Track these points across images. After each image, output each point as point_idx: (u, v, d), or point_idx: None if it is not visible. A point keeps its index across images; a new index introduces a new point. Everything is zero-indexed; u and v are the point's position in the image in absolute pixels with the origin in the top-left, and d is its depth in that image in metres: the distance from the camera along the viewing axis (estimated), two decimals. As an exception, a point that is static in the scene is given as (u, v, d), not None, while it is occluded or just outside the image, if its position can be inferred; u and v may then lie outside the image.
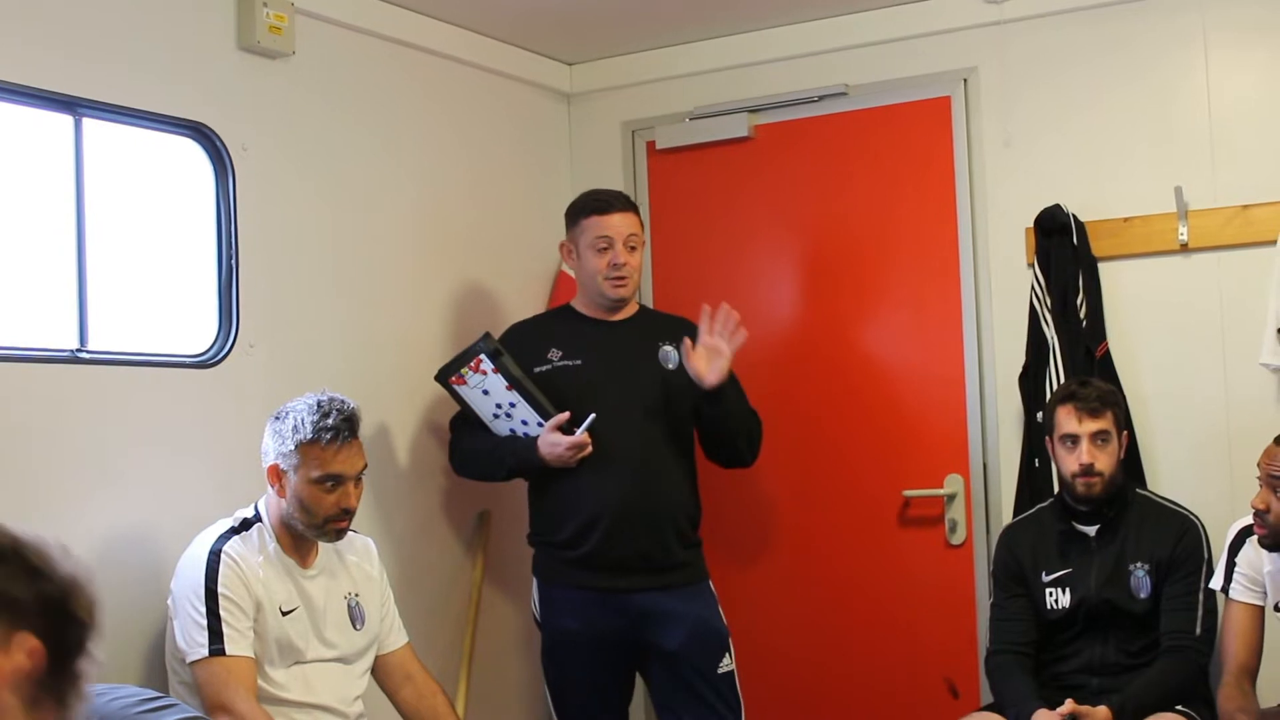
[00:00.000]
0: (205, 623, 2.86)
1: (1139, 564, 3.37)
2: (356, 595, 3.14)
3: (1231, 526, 3.30)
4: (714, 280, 4.31)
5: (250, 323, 3.42)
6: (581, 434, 3.49)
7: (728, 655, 3.61)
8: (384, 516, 3.76)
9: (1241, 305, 3.67)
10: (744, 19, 4.24)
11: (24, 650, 1.26)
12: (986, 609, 3.71)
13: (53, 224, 3.07)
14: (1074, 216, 3.82)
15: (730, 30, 4.31)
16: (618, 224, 3.63)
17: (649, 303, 4.35)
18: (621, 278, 3.63)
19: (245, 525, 3.01)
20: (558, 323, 3.78)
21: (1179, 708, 3.25)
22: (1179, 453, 3.76)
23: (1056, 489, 3.58)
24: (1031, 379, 3.83)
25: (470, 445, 3.71)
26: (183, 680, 2.92)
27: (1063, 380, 3.70)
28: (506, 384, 3.55)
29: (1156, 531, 3.40)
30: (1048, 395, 3.70)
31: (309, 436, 2.96)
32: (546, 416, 3.54)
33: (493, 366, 3.54)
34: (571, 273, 3.86)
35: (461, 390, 3.62)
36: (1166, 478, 3.73)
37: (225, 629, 2.86)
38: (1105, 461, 3.37)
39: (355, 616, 3.13)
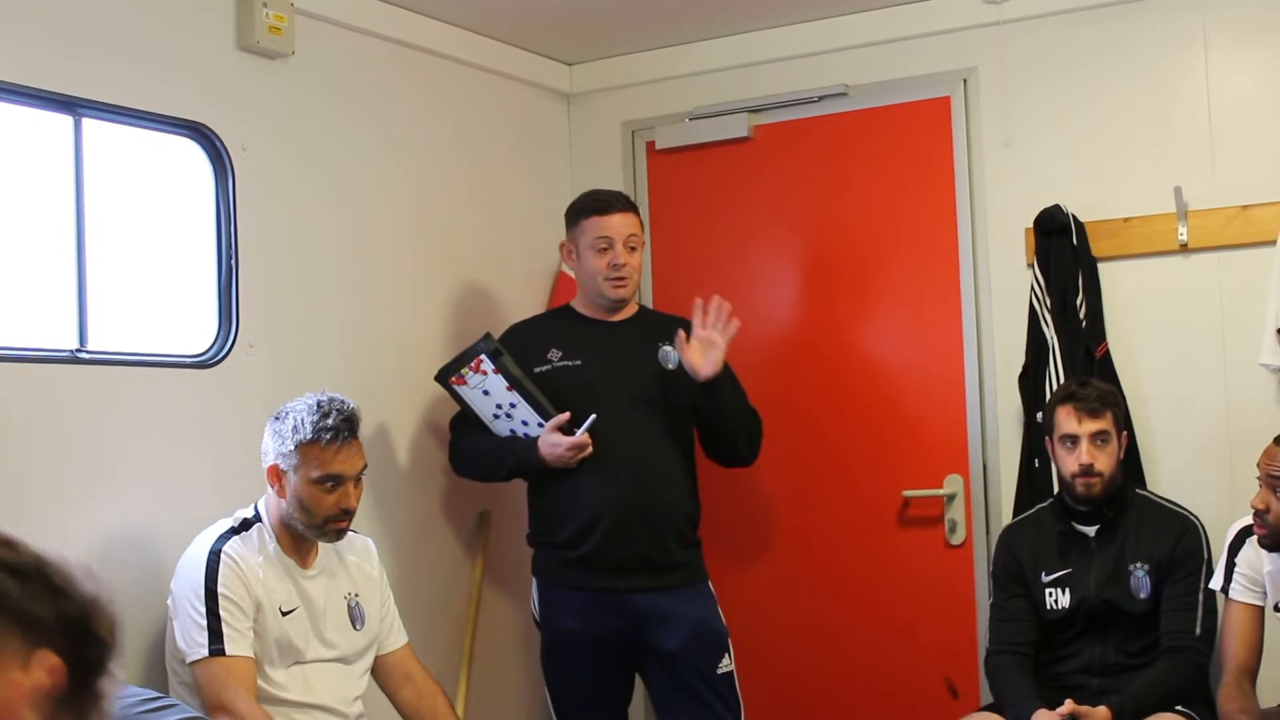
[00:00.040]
0: (205, 623, 2.86)
1: (1139, 564, 3.37)
2: (356, 595, 3.14)
3: (1231, 527, 3.30)
4: (714, 281, 4.30)
5: (250, 323, 3.42)
6: (582, 434, 3.49)
7: (727, 656, 3.61)
8: (384, 517, 3.76)
9: (1241, 306, 3.67)
10: (744, 19, 4.24)
11: (44, 668, 1.27)
12: (986, 609, 3.71)
13: (52, 224, 3.07)
14: (1074, 217, 3.82)
15: (730, 30, 4.31)
16: (618, 224, 3.63)
17: (649, 303, 4.35)
18: (621, 278, 3.63)
19: (245, 525, 3.01)
20: (557, 323, 3.78)
21: (1179, 708, 3.25)
22: (1179, 453, 3.76)
23: (1056, 489, 3.58)
24: (1031, 379, 3.83)
25: (470, 445, 3.71)
26: (183, 680, 2.92)
27: (1062, 380, 3.70)
28: (507, 384, 3.55)
29: (1156, 532, 3.40)
30: (1047, 395, 3.70)
31: (309, 437, 2.96)
32: (547, 417, 3.54)
33: (493, 367, 3.54)
34: (571, 273, 3.86)
35: (462, 390, 3.61)
36: (1166, 478, 3.73)
37: (225, 629, 2.86)
38: (1105, 462, 3.37)
39: (355, 617, 3.12)
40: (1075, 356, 3.76)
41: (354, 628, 3.12)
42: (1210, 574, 3.34)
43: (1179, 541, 3.38)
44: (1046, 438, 3.53)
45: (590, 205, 3.68)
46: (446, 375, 3.62)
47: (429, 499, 3.96)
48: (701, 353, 3.55)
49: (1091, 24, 3.89)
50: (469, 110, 4.22)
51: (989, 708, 3.45)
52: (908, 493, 4.10)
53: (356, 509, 3.05)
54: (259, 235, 3.46)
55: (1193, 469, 3.73)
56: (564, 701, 3.69)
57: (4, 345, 2.95)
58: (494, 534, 4.11)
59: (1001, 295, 3.97)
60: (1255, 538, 3.15)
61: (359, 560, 3.20)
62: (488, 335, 3.62)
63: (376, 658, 3.20)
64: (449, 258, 4.08)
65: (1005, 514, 3.87)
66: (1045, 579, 3.44)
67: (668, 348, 3.64)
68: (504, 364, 3.54)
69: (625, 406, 3.58)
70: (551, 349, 3.66)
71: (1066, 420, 3.39)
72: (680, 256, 4.44)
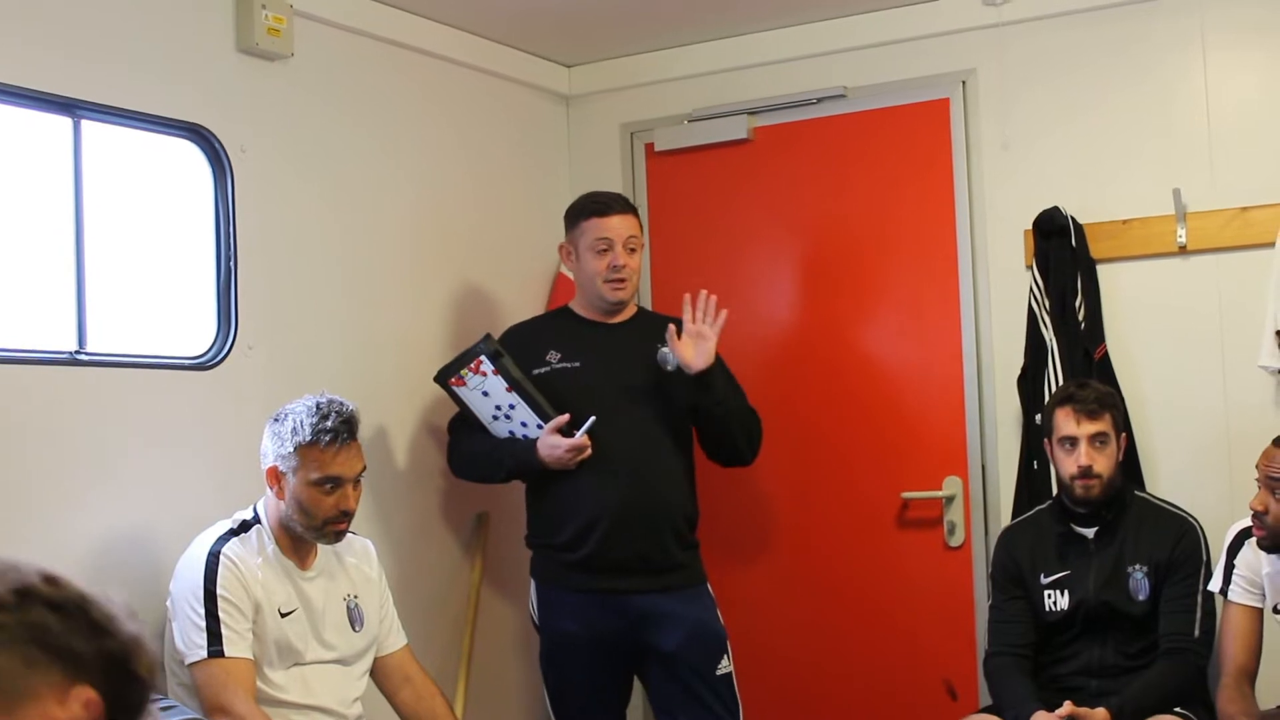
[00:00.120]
0: (204, 624, 2.85)
1: (1137, 566, 3.37)
2: (355, 597, 3.14)
3: (1230, 528, 3.30)
4: (713, 282, 4.28)
5: (249, 324, 3.43)
6: (581, 436, 3.49)
7: (726, 657, 3.61)
8: (383, 518, 3.76)
9: (1240, 307, 3.67)
10: (743, 21, 4.24)
11: (80, 702, 1.28)
12: (985, 611, 3.71)
13: (52, 226, 3.07)
14: (1072, 218, 3.82)
15: (729, 32, 4.31)
16: (617, 225, 3.63)
17: (648, 305, 4.35)
18: (621, 279, 3.63)
19: (244, 527, 3.01)
20: (556, 325, 3.78)
21: (1178, 710, 3.25)
22: (1177, 455, 3.77)
23: (1055, 491, 3.58)
24: (1030, 381, 3.83)
25: (469, 447, 3.71)
26: (181, 682, 2.92)
27: (1061, 382, 3.70)
28: (506, 386, 3.54)
29: (1155, 534, 3.40)
30: (1046, 397, 3.70)
31: (308, 438, 2.96)
32: (546, 418, 3.54)
33: (493, 368, 3.54)
34: (570, 275, 3.86)
35: (461, 391, 3.61)
36: (1165, 480, 3.73)
37: (224, 631, 2.86)
38: (1104, 464, 3.37)
39: (354, 618, 3.12)
40: (1074, 358, 3.76)
41: (353, 629, 3.12)
42: (1209, 576, 3.34)
43: (1178, 543, 3.38)
44: (1045, 439, 3.53)
45: (589, 207, 3.68)
46: (446, 376, 3.62)
47: (428, 500, 3.96)
48: (693, 347, 3.55)
49: (1090, 26, 3.89)
50: (468, 112, 4.22)
51: (988, 709, 3.45)
52: (907, 494, 4.10)
53: (355, 511, 3.05)
54: (258, 237, 3.46)
55: (1191, 471, 3.74)
56: (563, 703, 3.69)
57: (4, 347, 2.95)
58: (492, 535, 4.11)
59: (1000, 297, 3.98)
60: (1254, 539, 3.15)
61: (358, 562, 3.20)
62: (488, 336, 3.62)
63: (375, 659, 3.20)
64: (448, 259, 4.08)
65: (1004, 516, 3.87)
66: (1044, 581, 3.44)
67: (666, 349, 3.64)
68: (504, 365, 3.54)
69: (624, 408, 3.58)
70: (550, 350, 3.66)
71: (1065, 422, 3.39)
72: (679, 258, 4.44)
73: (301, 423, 2.96)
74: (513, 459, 3.61)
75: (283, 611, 2.98)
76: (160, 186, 3.36)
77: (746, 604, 4.19)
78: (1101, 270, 3.83)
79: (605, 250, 3.62)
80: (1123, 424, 3.49)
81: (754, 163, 4.35)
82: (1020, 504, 3.80)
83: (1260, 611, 3.24)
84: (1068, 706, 3.17)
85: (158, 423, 3.21)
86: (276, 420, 3.02)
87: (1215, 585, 3.31)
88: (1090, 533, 3.43)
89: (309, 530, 3.00)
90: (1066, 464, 3.39)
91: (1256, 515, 3.08)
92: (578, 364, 3.64)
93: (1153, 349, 3.80)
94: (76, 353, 3.07)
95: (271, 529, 3.02)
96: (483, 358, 3.54)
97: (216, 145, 3.38)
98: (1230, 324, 3.69)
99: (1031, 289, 3.84)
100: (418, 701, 3.23)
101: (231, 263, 3.40)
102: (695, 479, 3.74)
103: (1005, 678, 3.40)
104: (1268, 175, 3.66)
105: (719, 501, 4.10)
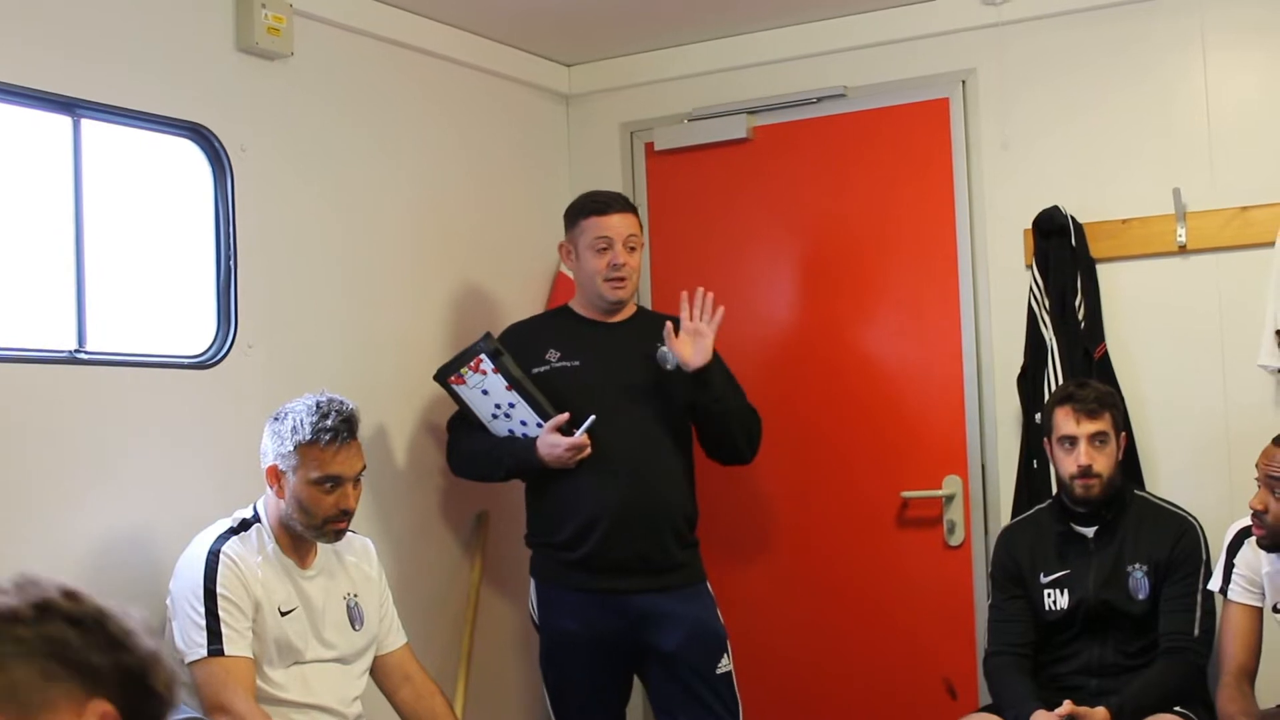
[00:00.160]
0: (204, 623, 2.86)
1: (1137, 565, 3.37)
2: (355, 596, 3.14)
3: (1230, 528, 3.30)
4: (713, 282, 4.27)
5: (249, 323, 3.43)
6: (581, 435, 3.49)
7: (726, 656, 3.61)
8: (383, 517, 3.76)
9: (1240, 307, 3.67)
10: (742, 20, 4.24)
11: (97, 715, 1.30)
12: (985, 610, 3.71)
13: (51, 225, 3.07)
14: (1072, 218, 3.82)
15: (729, 32, 4.31)
16: (617, 224, 3.63)
17: (647, 304, 4.35)
18: (621, 278, 3.63)
19: (244, 526, 3.01)
20: (556, 324, 3.78)
21: (1177, 709, 3.25)
22: (1177, 454, 3.77)
23: (1055, 490, 3.58)
24: (1030, 380, 3.84)
25: (468, 446, 3.71)
26: (181, 681, 2.91)
27: (1061, 382, 3.70)
28: (506, 384, 3.55)
29: (1155, 533, 3.40)
30: (1046, 397, 3.70)
31: (308, 437, 2.96)
32: (546, 417, 3.54)
33: (493, 366, 3.54)
34: (570, 274, 3.86)
35: (460, 390, 3.62)
36: (1165, 479, 3.73)
37: (224, 629, 2.86)
38: (1103, 463, 3.37)
39: (354, 617, 3.12)
40: (1074, 358, 3.76)
41: (353, 628, 3.12)
42: (1209, 575, 3.34)
43: (1177, 542, 3.38)
44: (1045, 439, 3.53)
45: (589, 206, 3.68)
46: (445, 374, 3.62)
47: (428, 499, 3.96)
48: (690, 344, 3.56)
49: (1090, 25, 3.89)
50: (468, 111, 4.22)
51: (988, 709, 3.45)
52: (906, 493, 4.10)
53: (355, 510, 3.05)
54: (258, 236, 3.46)
55: (1191, 470, 3.74)
56: (563, 702, 3.69)
57: (3, 346, 2.95)
58: (492, 535, 4.11)
59: (1000, 296, 3.98)
60: (1254, 539, 3.16)
61: (358, 561, 3.20)
62: (488, 335, 3.62)
63: (375, 658, 3.20)
64: (448, 258, 4.08)
65: (1004, 515, 3.87)
66: (1044, 580, 3.44)
67: (665, 348, 3.65)
68: (504, 364, 3.54)
69: (623, 407, 3.58)
70: (550, 349, 3.66)
71: (1065, 421, 3.39)
72: (679, 258, 4.44)
73: (301, 422, 2.96)
74: (512, 458, 3.61)
75: (283, 610, 2.98)
76: (160, 186, 3.36)
77: (746, 603, 4.19)
78: (1101, 270, 3.83)
79: (605, 249, 3.62)
80: (1122, 423, 3.49)
81: (754, 162, 4.35)
82: (1020, 503, 3.80)
83: (1260, 611, 3.24)
84: (1067, 706, 3.17)
85: (158, 422, 3.21)
86: (276, 419, 3.02)
87: (1215, 584, 3.31)
88: (1090, 532, 3.43)
89: (309, 529, 3.00)
90: (1066, 463, 3.39)
91: (1256, 514, 3.08)
92: (577, 363, 3.64)
93: (1152, 348, 3.80)
94: (76, 352, 3.07)
95: (271, 528, 3.02)
96: (483, 356, 3.54)
97: (216, 144, 3.38)
98: (1230, 324, 3.69)
99: (1031, 288, 3.84)
100: (417, 700, 3.23)
101: (231, 262, 3.40)
102: (695, 478, 3.74)
103: (1005, 677, 3.40)
104: (1268, 175, 3.66)
105: (719, 501, 4.10)
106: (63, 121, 3.08)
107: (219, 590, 2.88)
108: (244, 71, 3.47)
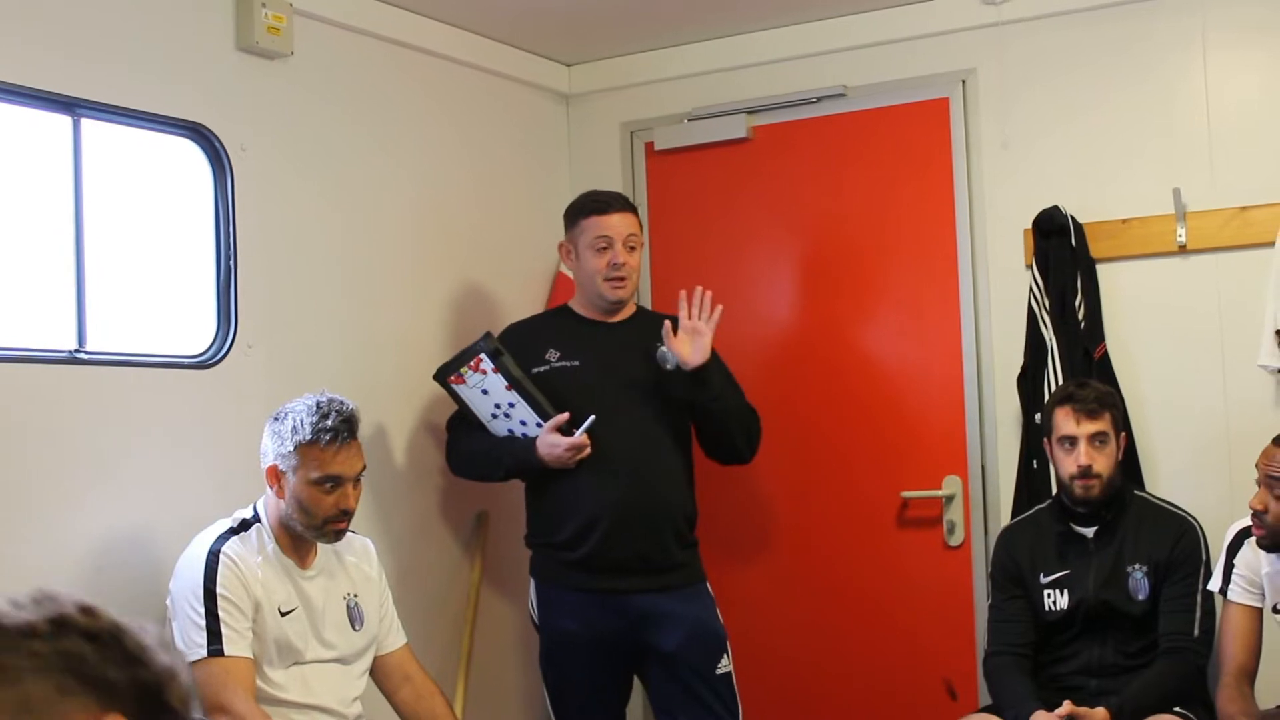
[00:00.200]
0: (204, 623, 2.86)
1: (1137, 565, 3.37)
2: (355, 596, 3.14)
3: (1230, 528, 3.30)
4: (712, 281, 4.27)
5: (249, 323, 3.42)
6: (581, 435, 3.49)
7: (725, 656, 3.61)
8: (383, 517, 3.76)
9: (1240, 307, 3.67)
10: (742, 20, 4.24)
11: None
12: (985, 610, 3.71)
13: (51, 225, 3.07)
14: (1072, 218, 3.82)
15: (728, 31, 4.31)
16: (617, 224, 3.63)
17: (647, 304, 4.35)
18: (621, 278, 3.63)
19: (244, 526, 3.01)
20: (556, 323, 3.78)
21: (1177, 709, 3.25)
22: (1177, 454, 3.77)
23: (1055, 490, 3.58)
24: (1030, 380, 3.84)
25: (468, 446, 3.71)
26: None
27: (1061, 382, 3.70)
28: (506, 384, 3.54)
29: (1154, 533, 3.40)
30: (1046, 397, 3.70)
31: (308, 437, 2.95)
32: (546, 417, 3.54)
33: (493, 366, 3.53)
34: (570, 273, 3.86)
35: (460, 390, 3.61)
36: (1165, 479, 3.73)
37: (224, 629, 2.86)
38: (1103, 463, 3.37)
39: (354, 617, 3.12)
40: (1074, 358, 3.76)
41: (353, 628, 3.12)
42: (1209, 575, 3.34)
43: (1177, 543, 3.38)
44: (1045, 439, 3.53)
45: (589, 205, 3.68)
46: (445, 374, 3.62)
47: (427, 499, 3.96)
48: (689, 343, 3.56)
49: (1090, 25, 3.89)
50: (468, 111, 4.22)
51: (987, 709, 3.45)
52: (906, 494, 4.10)
53: (355, 510, 3.05)
54: (258, 236, 3.46)
55: (1191, 470, 3.74)
56: (563, 702, 3.69)
57: (3, 345, 2.95)
58: (492, 534, 4.11)
59: (1000, 296, 3.98)
60: (1254, 539, 3.16)
61: (358, 561, 3.20)
62: (488, 334, 3.62)
63: (375, 658, 3.20)
64: (448, 258, 4.08)
65: (1004, 515, 3.87)
66: (1043, 580, 3.44)
67: (664, 348, 3.65)
68: (504, 363, 3.54)
69: (623, 407, 3.58)
70: (549, 349, 3.66)
71: (1065, 421, 3.39)
72: (679, 257, 4.44)
73: (302, 421, 2.96)
74: (512, 457, 3.61)
75: (282, 610, 2.98)
76: (160, 185, 3.36)
77: (746, 604, 4.19)
78: (1101, 270, 3.83)
79: (605, 248, 3.62)
80: (1122, 423, 3.49)
81: (753, 162, 4.35)
82: (1020, 503, 3.80)
83: (1260, 611, 3.24)
84: (1067, 706, 3.18)
85: (158, 422, 3.21)
86: (276, 419, 3.01)
87: (1215, 585, 3.31)
88: (1090, 532, 3.43)
89: (309, 529, 3.00)
90: (1066, 463, 3.39)
91: (1256, 514, 3.08)
92: (577, 363, 3.64)
93: (1152, 348, 3.80)
94: (76, 351, 3.06)
95: (271, 528, 3.02)
96: (482, 355, 3.54)
97: (216, 144, 3.38)
98: (1230, 323, 3.69)
99: (1031, 288, 3.84)
100: (417, 701, 3.23)
101: (231, 262, 3.40)
102: (695, 478, 3.74)
103: (1005, 677, 3.40)
104: (1268, 175, 3.66)
105: (719, 501, 4.10)
106: (63, 121, 3.08)
107: (219, 590, 2.88)
108: (244, 71, 3.47)
